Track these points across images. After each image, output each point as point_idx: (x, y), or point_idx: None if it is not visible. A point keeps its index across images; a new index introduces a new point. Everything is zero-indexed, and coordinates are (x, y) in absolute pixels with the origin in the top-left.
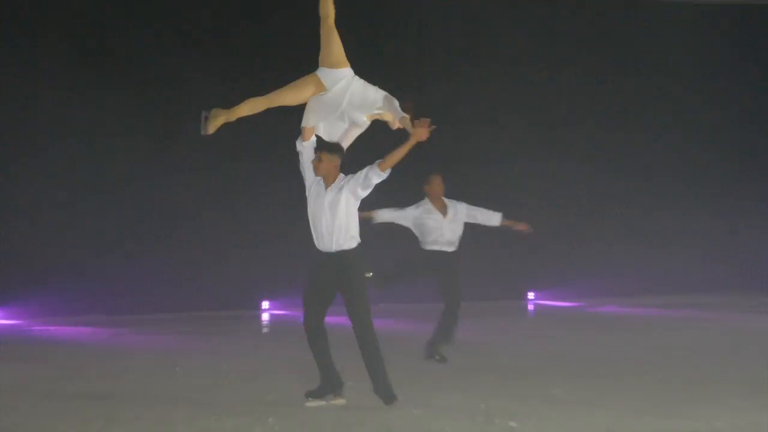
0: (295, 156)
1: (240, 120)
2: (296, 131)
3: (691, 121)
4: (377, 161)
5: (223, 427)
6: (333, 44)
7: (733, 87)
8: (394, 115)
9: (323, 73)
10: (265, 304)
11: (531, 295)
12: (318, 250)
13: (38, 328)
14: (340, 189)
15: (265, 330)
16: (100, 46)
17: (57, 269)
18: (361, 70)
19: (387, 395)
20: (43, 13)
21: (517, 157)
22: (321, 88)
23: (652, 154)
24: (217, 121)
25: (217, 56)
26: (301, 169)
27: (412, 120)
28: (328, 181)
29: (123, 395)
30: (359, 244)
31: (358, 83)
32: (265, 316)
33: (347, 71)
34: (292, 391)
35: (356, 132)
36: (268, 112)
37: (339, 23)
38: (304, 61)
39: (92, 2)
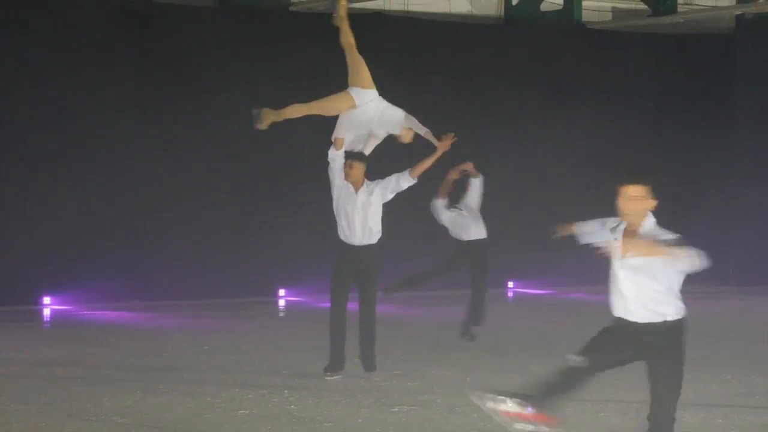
0: (314, 157)
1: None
2: (310, 133)
3: (653, 121)
4: (408, 170)
5: (246, 397)
6: (362, 68)
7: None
8: (417, 131)
9: (355, 92)
10: (282, 292)
11: (510, 284)
12: (345, 243)
13: (85, 312)
14: (371, 192)
15: (281, 314)
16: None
17: (101, 262)
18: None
19: (371, 364)
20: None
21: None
22: (352, 105)
23: (615, 149)
24: (268, 119)
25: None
26: (330, 174)
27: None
28: (357, 186)
29: (158, 370)
30: (379, 240)
31: (384, 104)
32: (282, 302)
33: (374, 93)
34: (304, 367)
35: (374, 143)
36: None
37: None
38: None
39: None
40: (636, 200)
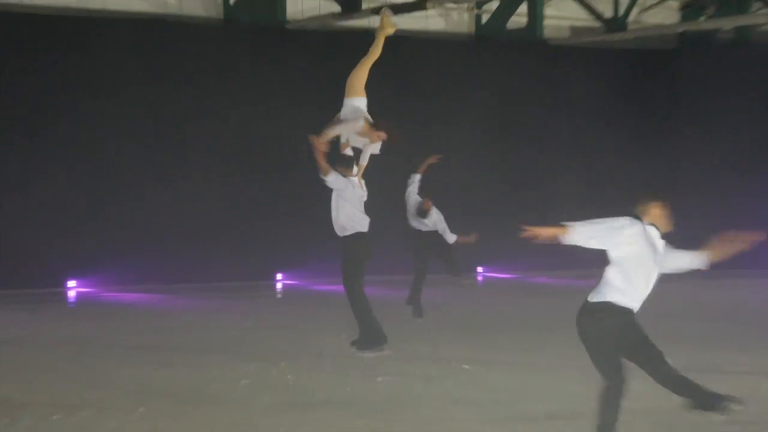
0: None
1: (262, 128)
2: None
3: (605, 125)
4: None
5: (247, 369)
6: (361, 79)
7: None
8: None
9: (352, 98)
10: (279, 276)
11: (480, 269)
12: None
13: (106, 294)
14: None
15: (279, 296)
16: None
17: (120, 249)
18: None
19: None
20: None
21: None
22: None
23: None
24: (324, 138)
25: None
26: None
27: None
28: (348, 172)
29: (170, 346)
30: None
31: (358, 104)
32: (279, 286)
33: (363, 100)
34: (299, 342)
35: (369, 151)
36: (274, 123)
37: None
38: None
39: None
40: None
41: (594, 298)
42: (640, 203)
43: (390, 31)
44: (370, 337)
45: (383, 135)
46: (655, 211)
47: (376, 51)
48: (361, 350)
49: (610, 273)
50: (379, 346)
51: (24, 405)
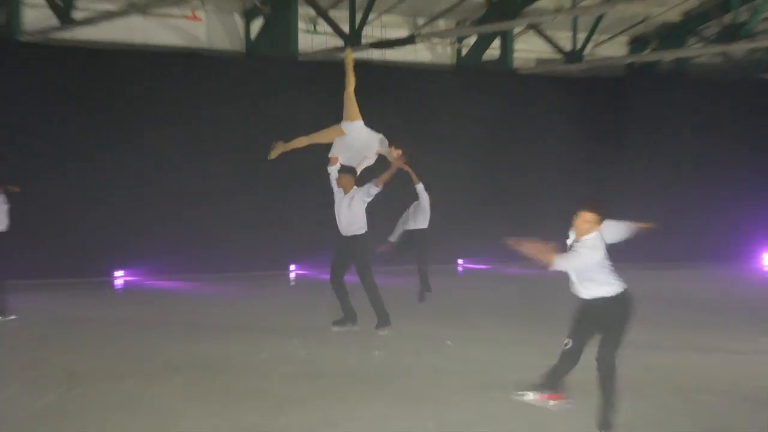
0: (318, 165)
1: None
2: (314, 151)
3: (565, 144)
4: (373, 180)
5: (266, 344)
6: (350, 105)
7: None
8: (382, 151)
9: (344, 125)
10: (292, 266)
11: (460, 261)
12: (339, 233)
13: (148, 282)
14: (352, 197)
15: (292, 283)
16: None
17: (160, 243)
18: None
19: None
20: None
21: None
22: (341, 133)
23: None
24: (278, 150)
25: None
26: (331, 182)
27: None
28: (346, 190)
29: (201, 325)
30: (366, 232)
31: (366, 131)
32: (292, 275)
33: (360, 123)
34: (309, 322)
35: (366, 164)
36: (289, 137)
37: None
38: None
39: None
40: (587, 223)
41: (598, 293)
42: (594, 210)
43: (351, 63)
44: (384, 318)
45: (400, 155)
46: (599, 215)
47: (351, 79)
48: (378, 329)
49: (593, 275)
50: (389, 325)
51: (79, 375)
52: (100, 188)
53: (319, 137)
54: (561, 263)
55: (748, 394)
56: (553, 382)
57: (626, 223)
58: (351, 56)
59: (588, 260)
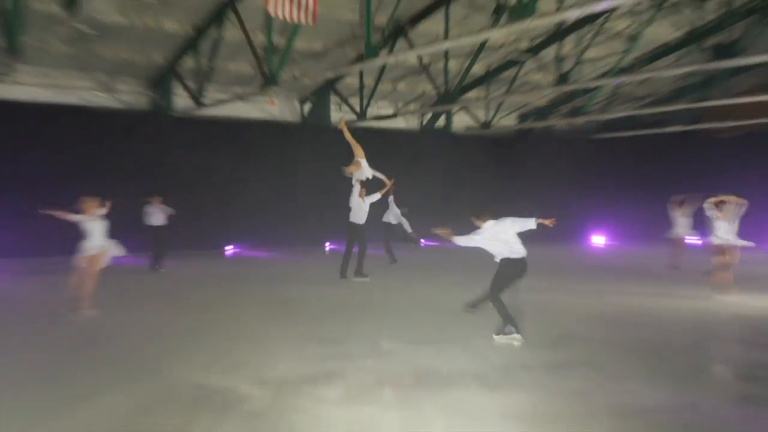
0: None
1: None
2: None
3: (480, 181)
4: (375, 193)
5: (306, 289)
6: (359, 150)
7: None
8: (378, 174)
9: (361, 158)
10: (327, 244)
11: (422, 240)
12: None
13: (245, 252)
14: (365, 200)
15: (327, 254)
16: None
17: (252, 227)
18: None
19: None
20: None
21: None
22: (361, 159)
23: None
24: (342, 124)
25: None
26: (353, 193)
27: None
28: (362, 196)
29: (272, 277)
30: (364, 222)
31: (366, 164)
32: (327, 248)
33: (365, 161)
34: (334, 276)
35: (363, 177)
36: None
37: None
38: None
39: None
40: (476, 221)
41: (500, 257)
42: (477, 217)
43: (344, 127)
44: (362, 271)
45: (392, 181)
46: (481, 220)
47: (350, 138)
48: (356, 277)
49: (491, 247)
50: (365, 277)
51: (205, 305)
52: (212, 193)
53: (355, 146)
54: (459, 240)
55: (589, 315)
56: (509, 323)
57: (529, 219)
58: (343, 122)
59: (474, 242)
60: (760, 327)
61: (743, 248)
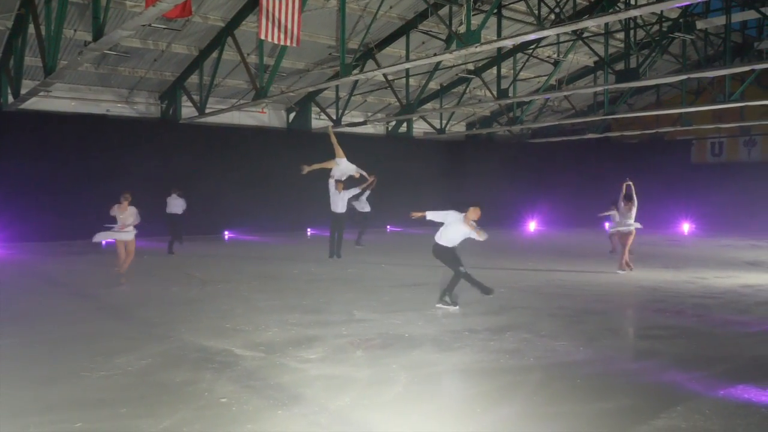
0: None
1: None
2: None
3: (439, 178)
4: (356, 187)
5: (296, 266)
6: (340, 150)
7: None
8: (360, 172)
9: (337, 159)
10: (309, 229)
11: (388, 226)
12: (332, 211)
13: (242, 237)
14: (342, 193)
15: (309, 237)
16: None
17: (247, 214)
18: None
19: (339, 254)
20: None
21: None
22: (336, 165)
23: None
24: (307, 169)
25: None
26: (330, 187)
27: (369, 174)
28: (339, 191)
29: (265, 256)
30: (344, 212)
31: (346, 163)
32: (309, 233)
33: (344, 159)
34: (322, 254)
35: (345, 177)
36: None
37: None
38: None
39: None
40: (477, 214)
41: (439, 241)
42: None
43: (332, 132)
44: (339, 251)
45: (373, 178)
46: (471, 212)
47: (334, 139)
48: (357, 245)
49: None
50: (335, 257)
51: (207, 280)
52: (218, 187)
53: (326, 164)
54: (430, 215)
55: (525, 287)
56: (449, 293)
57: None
58: (330, 129)
59: (438, 218)
60: (656, 295)
61: (638, 230)
